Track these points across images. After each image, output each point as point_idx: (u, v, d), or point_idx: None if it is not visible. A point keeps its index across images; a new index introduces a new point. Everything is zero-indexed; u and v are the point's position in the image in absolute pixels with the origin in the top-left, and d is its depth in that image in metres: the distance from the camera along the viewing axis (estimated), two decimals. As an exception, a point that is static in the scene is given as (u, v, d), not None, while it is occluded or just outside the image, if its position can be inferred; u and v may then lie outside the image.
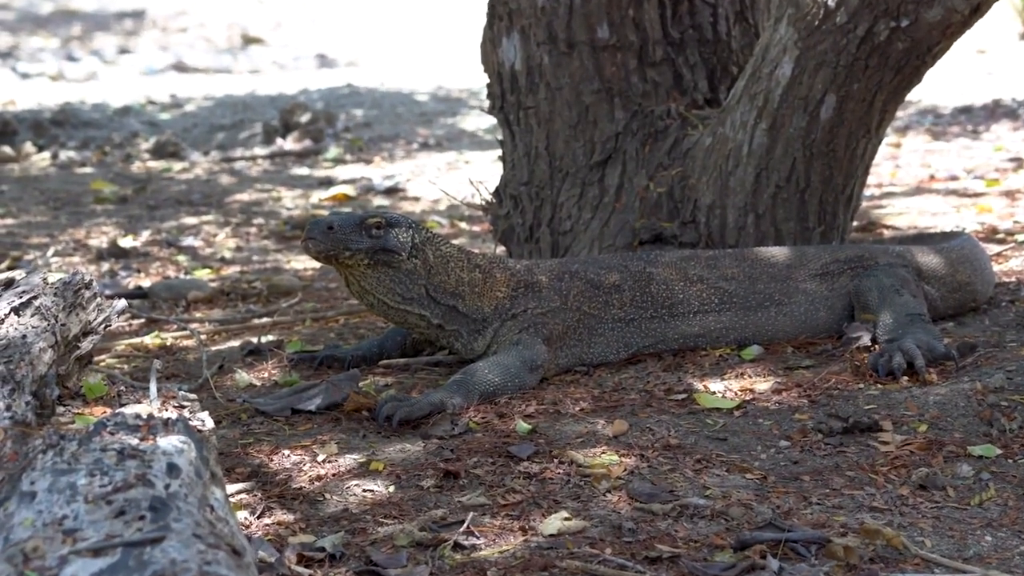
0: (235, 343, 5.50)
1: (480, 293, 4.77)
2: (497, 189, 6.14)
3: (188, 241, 7.94)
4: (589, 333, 4.81)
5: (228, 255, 7.58)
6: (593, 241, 5.70)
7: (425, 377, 4.85)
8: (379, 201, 9.17)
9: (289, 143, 11.64)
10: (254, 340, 5.40)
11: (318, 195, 9.41)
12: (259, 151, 11.55)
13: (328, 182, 9.97)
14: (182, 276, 7.01)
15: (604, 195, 5.73)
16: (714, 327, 4.89)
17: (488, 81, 6.06)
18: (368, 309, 4.82)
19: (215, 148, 11.82)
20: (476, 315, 4.75)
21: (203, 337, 5.54)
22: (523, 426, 4.13)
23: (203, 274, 7.05)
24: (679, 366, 4.76)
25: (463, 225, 8.27)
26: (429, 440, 4.08)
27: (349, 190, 9.41)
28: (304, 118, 12.00)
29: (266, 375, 4.96)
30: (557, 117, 5.78)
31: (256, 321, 5.92)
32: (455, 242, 5.12)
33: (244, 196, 9.50)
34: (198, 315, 6.16)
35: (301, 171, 10.66)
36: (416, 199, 9.33)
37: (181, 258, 7.52)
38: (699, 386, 4.52)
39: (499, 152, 6.29)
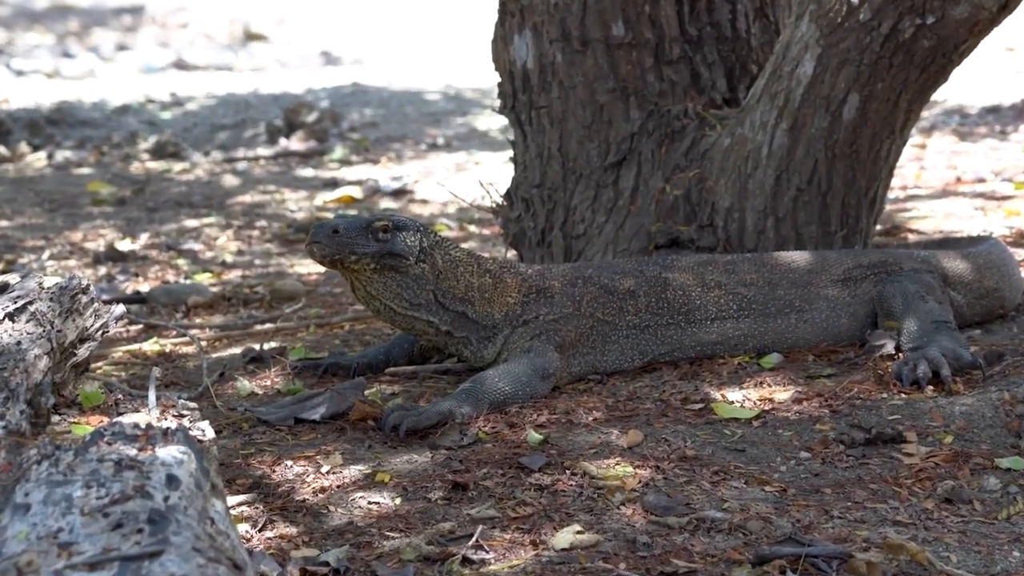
0: (236, 350, 5.50)
1: (490, 299, 4.77)
2: (508, 191, 6.16)
3: (188, 244, 7.95)
4: (603, 340, 4.81)
5: (230, 259, 7.60)
6: (607, 245, 5.70)
7: (433, 385, 4.86)
8: (386, 203, 9.19)
9: (293, 143, 11.65)
10: (256, 347, 5.40)
11: (323, 197, 9.41)
12: (262, 151, 11.56)
13: (333, 183, 9.98)
14: (182, 280, 7.02)
15: (619, 198, 5.72)
16: (732, 334, 4.89)
17: (499, 80, 6.07)
18: (374, 315, 4.82)
19: (217, 148, 11.84)
20: (486, 321, 4.75)
21: (203, 344, 5.55)
22: (534, 436, 4.13)
23: (204, 278, 7.07)
24: (696, 375, 4.76)
25: (473, 228, 8.28)
26: (437, 451, 4.09)
27: (355, 192, 9.42)
28: (309, 117, 12.01)
29: (269, 383, 4.97)
30: (570, 117, 5.79)
31: (258, 327, 5.92)
32: (464, 246, 5.12)
33: (247, 198, 9.51)
34: (198, 321, 6.17)
35: (306, 172, 10.67)
36: (424, 201, 9.34)
37: (181, 262, 7.53)
38: (717, 395, 4.52)
39: (510, 153, 6.30)
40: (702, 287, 4.90)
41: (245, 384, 4.91)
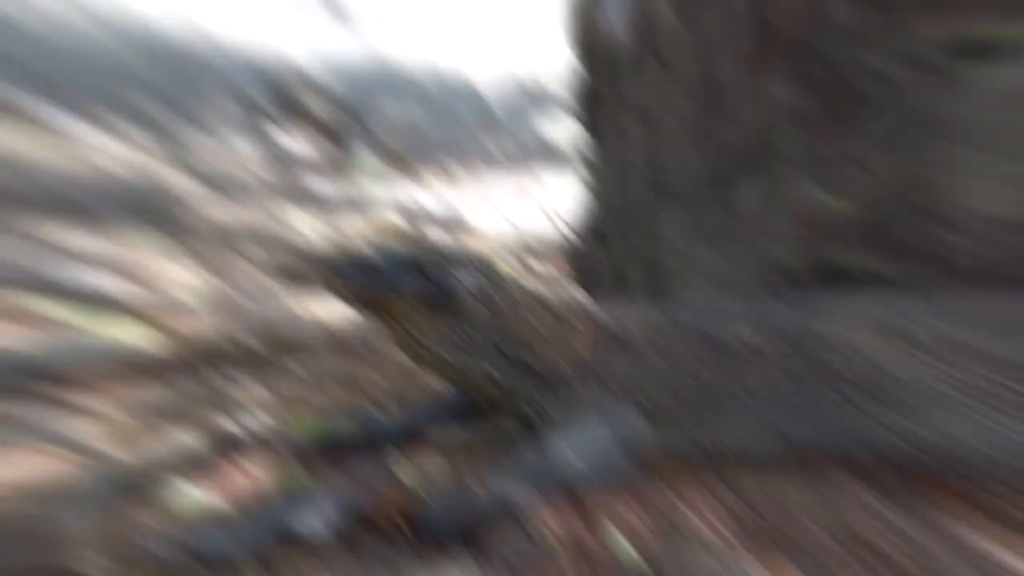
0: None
1: (558, 348, 4.55)
2: (580, 218, 6.04)
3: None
4: (714, 410, 4.46)
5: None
6: (711, 284, 5.40)
7: (486, 456, 4.54)
8: (431, 231, 9.03)
9: (293, 140, 11.31)
10: (230, 424, 5.02)
11: (346, 220, 9.23)
12: (240, 145, 11.08)
13: (361, 203, 9.81)
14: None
15: (734, 219, 5.39)
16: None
17: (575, 68, 5.98)
18: (417, 366, 4.57)
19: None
20: (552, 375, 4.52)
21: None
22: (627, 553, 3.71)
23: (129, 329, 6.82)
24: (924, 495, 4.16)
25: (536, 264, 8.09)
26: (491, 564, 3.70)
27: (389, 214, 9.35)
28: (314, 104, 11.69)
29: (242, 483, 4.54)
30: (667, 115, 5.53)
31: (239, 392, 5.61)
32: (527, 284, 4.89)
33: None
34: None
35: (316, 184, 10.47)
36: (478, 229, 9.24)
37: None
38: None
39: (583, 169, 6.18)
40: (907, 352, 4.39)
41: (189, 494, 4.41)
